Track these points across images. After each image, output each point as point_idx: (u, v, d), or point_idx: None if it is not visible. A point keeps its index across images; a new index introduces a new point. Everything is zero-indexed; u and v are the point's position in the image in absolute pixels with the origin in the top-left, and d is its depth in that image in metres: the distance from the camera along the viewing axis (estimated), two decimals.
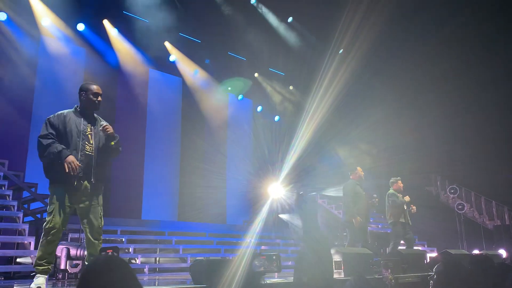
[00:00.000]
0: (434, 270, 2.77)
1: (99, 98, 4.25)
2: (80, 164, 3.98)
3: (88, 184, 4.09)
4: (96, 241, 4.14)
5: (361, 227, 7.37)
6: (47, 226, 3.96)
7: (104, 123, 4.22)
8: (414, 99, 15.70)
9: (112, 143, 4.18)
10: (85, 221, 4.14)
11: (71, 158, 3.91)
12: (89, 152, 4.11)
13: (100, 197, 4.23)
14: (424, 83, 15.03)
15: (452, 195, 15.11)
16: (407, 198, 8.24)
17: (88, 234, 4.14)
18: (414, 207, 8.38)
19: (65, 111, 4.22)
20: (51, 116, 4.14)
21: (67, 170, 3.87)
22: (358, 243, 7.32)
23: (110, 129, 4.16)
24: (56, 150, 3.92)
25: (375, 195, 8.08)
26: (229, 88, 15.18)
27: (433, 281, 2.78)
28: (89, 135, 4.15)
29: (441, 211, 15.03)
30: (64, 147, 3.97)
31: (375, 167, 14.60)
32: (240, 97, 16.21)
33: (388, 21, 12.97)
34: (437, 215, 14.24)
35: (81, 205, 4.11)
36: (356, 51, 13.66)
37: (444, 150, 15.49)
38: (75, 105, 4.29)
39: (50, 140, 3.99)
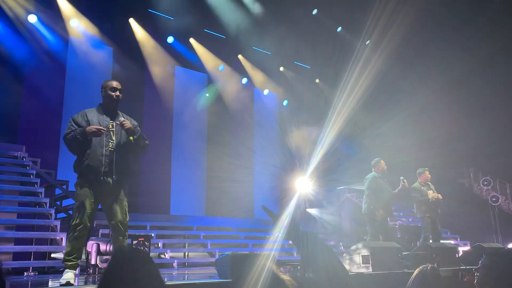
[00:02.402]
0: (480, 263, 2.65)
1: (118, 93, 4.30)
2: (105, 155, 4.10)
3: (110, 180, 4.15)
4: (121, 237, 4.21)
5: (382, 220, 7.26)
6: (74, 223, 4.05)
7: (122, 118, 4.26)
8: (447, 92, 15.26)
9: (131, 138, 4.19)
10: (110, 217, 4.21)
11: (91, 127, 4.04)
12: (111, 148, 4.19)
13: (125, 195, 4.27)
14: (458, 76, 14.56)
15: (485, 187, 14.65)
16: (435, 195, 7.99)
17: (114, 230, 4.21)
18: (440, 196, 8.12)
19: (88, 109, 4.32)
20: (74, 115, 4.26)
21: (96, 132, 4.02)
22: (379, 237, 7.21)
23: (127, 124, 4.19)
24: (78, 131, 4.07)
25: (402, 177, 7.89)
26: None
27: (479, 275, 2.66)
28: (111, 132, 4.22)
29: (474, 204, 14.59)
30: (80, 131, 4.08)
31: (406, 161, 14.29)
32: (266, 91, 16.16)
33: (420, 12, 12.62)
34: (471, 208, 13.84)
35: (106, 201, 4.19)
36: (387, 43, 13.36)
37: (478, 143, 15.00)
38: (99, 103, 4.38)
39: (72, 131, 4.12)
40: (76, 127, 4.15)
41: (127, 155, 4.33)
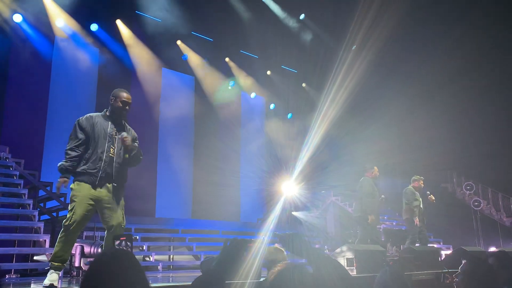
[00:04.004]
0: (459, 269, 2.72)
1: (127, 107, 4.32)
2: (102, 166, 4.14)
3: (110, 186, 4.18)
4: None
5: (373, 224, 7.36)
6: (66, 223, 4.02)
7: (125, 134, 4.26)
8: (430, 97, 15.50)
9: (126, 155, 4.28)
10: (106, 222, 4.19)
11: (60, 180, 4.07)
12: (112, 155, 4.21)
13: (122, 200, 4.30)
14: (440, 80, 14.82)
15: (468, 192, 14.89)
16: (431, 198, 8.20)
17: (110, 233, 4.19)
18: (432, 197, 8.29)
19: (94, 114, 4.34)
20: (80, 118, 4.26)
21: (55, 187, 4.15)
22: (368, 240, 7.30)
23: (128, 140, 4.21)
24: (60, 167, 4.10)
25: (382, 196, 8.10)
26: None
27: (458, 280, 2.71)
28: (115, 139, 4.25)
29: (457, 208, 14.84)
30: (68, 167, 4.10)
31: (389, 165, 14.46)
32: (253, 95, 16.20)
33: (403, 17, 12.82)
34: (453, 212, 14.06)
35: (103, 206, 4.17)
36: (370, 48, 13.54)
37: (460, 147, 15.27)
38: (105, 109, 4.39)
39: (68, 157, 4.13)
40: (81, 136, 4.16)
41: (126, 164, 4.37)
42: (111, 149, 4.21)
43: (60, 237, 4.05)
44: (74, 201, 4.07)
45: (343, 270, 2.38)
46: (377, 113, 15.16)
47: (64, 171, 4.10)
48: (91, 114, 4.33)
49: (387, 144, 15.73)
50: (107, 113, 4.35)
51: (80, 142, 4.16)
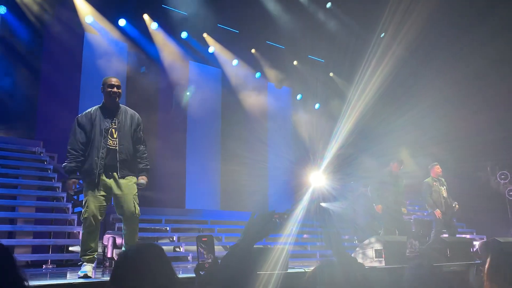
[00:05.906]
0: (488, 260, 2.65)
1: (115, 89, 4.32)
2: (74, 180, 4.27)
3: (116, 176, 4.23)
4: (130, 230, 4.28)
5: (396, 215, 7.37)
6: (82, 218, 4.15)
7: (142, 182, 4.37)
8: (465, 85, 14.98)
9: (138, 146, 4.49)
10: (119, 210, 4.29)
11: (69, 182, 4.22)
12: (113, 146, 4.25)
13: (133, 187, 4.31)
14: (476, 68, 14.28)
15: (502, 181, 14.43)
16: (455, 207, 8.09)
17: (123, 223, 4.30)
18: (457, 205, 8.16)
19: (93, 108, 4.41)
20: (79, 116, 4.37)
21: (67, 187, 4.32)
22: (395, 231, 7.27)
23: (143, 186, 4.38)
24: (65, 169, 4.24)
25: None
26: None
27: (486, 271, 2.65)
28: (113, 130, 4.28)
29: (491, 198, 14.38)
30: (73, 167, 4.20)
31: (424, 155, 14.11)
32: (279, 86, 16.11)
33: (438, 5, 12.41)
34: (487, 202, 13.66)
35: (114, 195, 4.26)
36: (403, 36, 13.18)
37: (496, 136, 14.73)
38: (102, 101, 4.44)
39: (72, 157, 4.22)
40: (80, 136, 4.25)
41: (132, 150, 4.39)
42: (110, 141, 4.23)
43: (83, 232, 4.18)
44: (86, 195, 4.19)
45: (362, 267, 2.38)
46: (410, 102, 14.75)
47: (70, 172, 4.19)
48: (90, 109, 4.39)
49: (420, 133, 15.36)
50: (103, 105, 4.39)
51: (80, 140, 4.23)
